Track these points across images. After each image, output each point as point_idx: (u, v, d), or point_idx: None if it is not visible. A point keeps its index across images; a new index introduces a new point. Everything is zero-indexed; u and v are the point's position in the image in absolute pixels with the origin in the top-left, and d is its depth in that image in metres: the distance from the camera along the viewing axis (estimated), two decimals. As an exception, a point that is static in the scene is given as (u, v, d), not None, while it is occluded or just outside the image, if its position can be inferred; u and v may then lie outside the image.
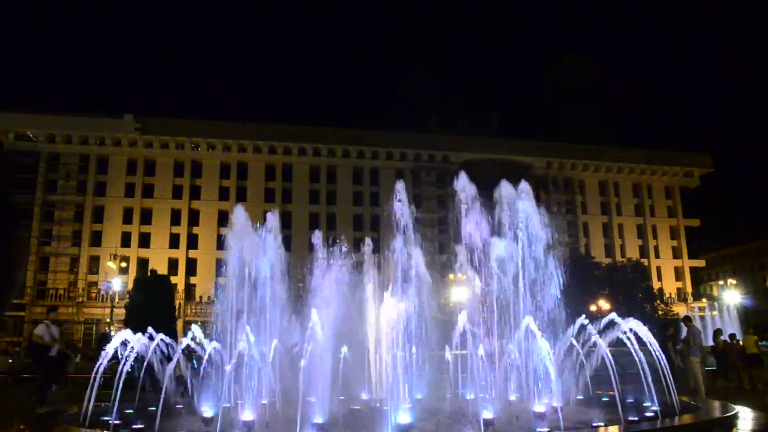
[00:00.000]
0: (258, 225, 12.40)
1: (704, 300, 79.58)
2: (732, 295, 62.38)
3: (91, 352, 33.46)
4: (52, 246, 66.02)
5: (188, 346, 9.57)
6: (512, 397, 11.20)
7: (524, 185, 12.60)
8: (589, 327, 10.20)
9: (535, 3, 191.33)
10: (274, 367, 11.56)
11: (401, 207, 12.67)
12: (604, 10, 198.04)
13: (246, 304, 11.63)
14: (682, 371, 15.92)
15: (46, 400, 13.08)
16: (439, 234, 70.07)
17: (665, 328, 17.47)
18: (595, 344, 10.09)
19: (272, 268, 12.10)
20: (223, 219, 68.57)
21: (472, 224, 12.28)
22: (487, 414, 8.51)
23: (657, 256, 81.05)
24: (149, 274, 39.53)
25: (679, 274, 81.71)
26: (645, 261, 73.65)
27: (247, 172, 73.50)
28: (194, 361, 9.77)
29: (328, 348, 10.80)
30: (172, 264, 66.60)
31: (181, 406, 10.72)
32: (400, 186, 12.86)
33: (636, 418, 9.67)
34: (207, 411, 9.26)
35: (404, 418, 8.34)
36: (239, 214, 12.17)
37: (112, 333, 40.28)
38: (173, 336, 9.48)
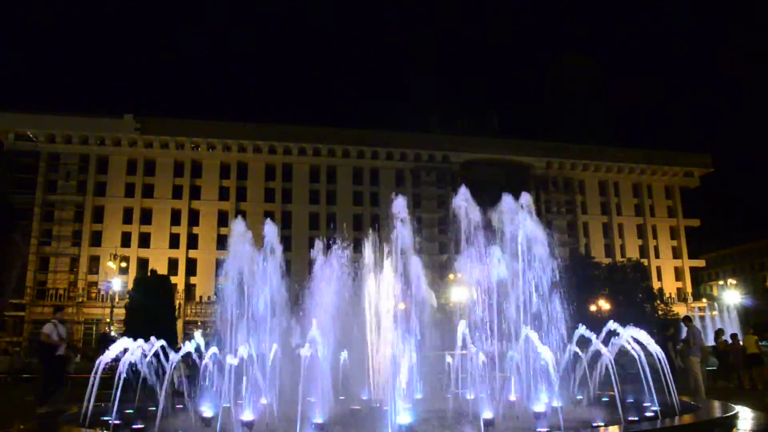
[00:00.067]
0: (258, 229, 12.34)
1: (704, 300, 79.62)
2: (732, 295, 62.37)
3: (91, 352, 33.47)
4: (52, 246, 66.04)
5: (189, 353, 9.55)
6: (512, 397, 11.20)
7: (526, 198, 12.49)
8: (591, 338, 10.15)
9: (535, 3, 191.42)
10: (274, 369, 11.57)
11: (402, 227, 12.60)
12: (604, 10, 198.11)
13: (246, 309, 11.63)
14: (683, 371, 15.91)
15: (47, 400, 13.08)
16: (439, 234, 70.10)
17: (665, 328, 17.47)
18: (599, 353, 10.07)
19: (272, 276, 12.07)
20: (223, 219, 68.63)
21: (472, 238, 12.24)
22: (487, 414, 8.51)
23: (657, 256, 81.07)
24: (149, 274, 39.56)
25: (679, 274, 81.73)
26: (645, 261, 73.68)
27: (247, 172, 73.50)
28: (192, 365, 9.76)
29: (328, 349, 10.81)
30: (172, 264, 66.60)
31: (181, 406, 10.72)
32: (400, 204, 12.70)
33: (636, 418, 9.67)
34: (207, 411, 9.26)
35: (404, 418, 8.34)
36: (238, 226, 12.11)
37: (113, 333, 40.28)
38: (173, 336, 9.48)
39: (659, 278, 78.95)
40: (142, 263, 64.62)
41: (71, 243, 66.39)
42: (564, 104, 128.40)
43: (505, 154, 77.79)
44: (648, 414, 9.83)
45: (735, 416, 9.60)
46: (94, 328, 61.27)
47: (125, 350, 9.31)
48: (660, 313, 57.67)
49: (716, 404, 11.28)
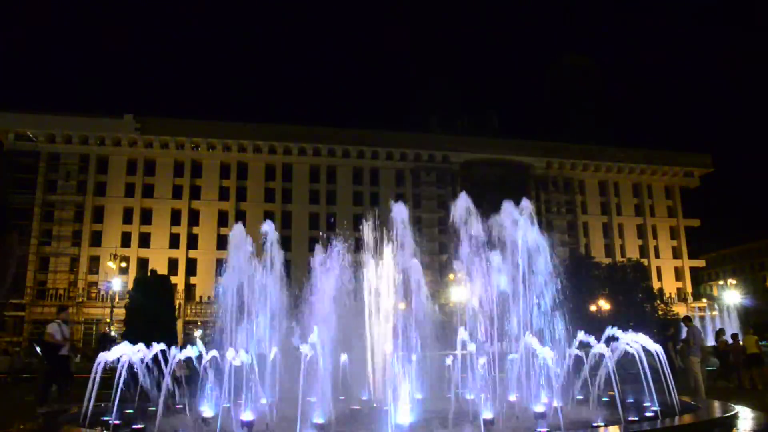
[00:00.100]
0: (258, 230, 12.33)
1: (704, 300, 79.62)
2: (732, 295, 62.36)
3: (91, 352, 33.47)
4: (52, 246, 66.04)
5: (189, 358, 9.54)
6: (512, 397, 11.20)
7: (526, 204, 12.46)
8: (591, 342, 10.13)
9: (535, 3, 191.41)
10: (275, 369, 11.56)
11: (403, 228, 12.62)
12: (604, 10, 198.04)
13: (246, 310, 11.63)
14: (683, 371, 15.91)
15: (46, 400, 13.09)
16: (439, 234, 70.09)
17: (666, 328, 17.46)
18: (601, 356, 10.06)
19: (272, 281, 12.07)
20: (223, 219, 68.68)
21: (471, 243, 12.24)
22: (487, 414, 8.51)
23: (657, 256, 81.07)
24: (149, 274, 39.49)
25: (679, 274, 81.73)
26: (645, 261, 73.67)
27: (247, 172, 73.51)
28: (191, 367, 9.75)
29: (328, 349, 10.80)
30: (172, 264, 66.60)
31: (181, 406, 10.71)
32: (399, 210, 12.70)
33: (636, 418, 9.67)
34: (207, 411, 9.25)
35: (404, 418, 8.34)
36: (237, 232, 12.09)
37: (113, 333, 40.26)
38: (173, 336, 9.46)
39: (659, 278, 78.94)
40: (142, 263, 64.61)
41: (71, 243, 66.39)
42: (564, 104, 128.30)
43: (505, 154, 77.78)
44: (648, 414, 9.83)
45: (735, 416, 9.60)
46: (94, 328, 61.28)
47: (119, 358, 9.25)
48: (660, 313, 57.66)
49: (716, 404, 11.29)
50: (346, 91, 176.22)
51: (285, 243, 15.34)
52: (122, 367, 9.09)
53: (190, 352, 9.44)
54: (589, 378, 10.25)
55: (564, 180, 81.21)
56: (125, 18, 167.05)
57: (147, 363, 9.50)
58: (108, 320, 47.65)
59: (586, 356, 10.28)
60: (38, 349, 28.88)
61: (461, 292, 13.22)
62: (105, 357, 9.34)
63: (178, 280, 64.13)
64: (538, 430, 8.62)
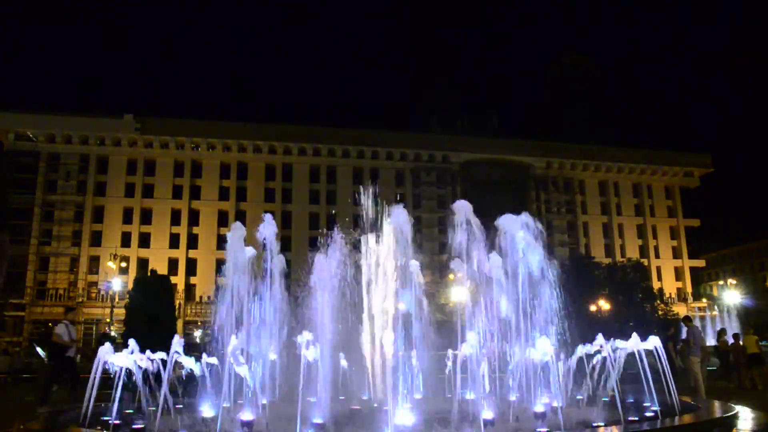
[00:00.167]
0: (257, 229, 12.30)
1: (704, 300, 79.65)
2: (732, 295, 62.40)
3: (91, 352, 33.44)
4: (52, 246, 66.06)
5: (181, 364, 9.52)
6: (512, 397, 11.20)
7: (525, 216, 12.41)
8: (596, 347, 10.12)
9: (535, 3, 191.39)
10: (274, 370, 11.56)
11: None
12: (604, 10, 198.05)
13: (245, 309, 11.60)
14: (683, 371, 15.92)
15: (47, 400, 13.08)
16: (439, 234, 70.09)
17: (666, 328, 17.45)
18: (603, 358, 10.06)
19: (271, 275, 12.04)
20: (223, 219, 68.70)
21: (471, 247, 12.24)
22: (487, 414, 8.51)
23: (657, 256, 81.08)
24: (149, 274, 39.48)
25: (679, 274, 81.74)
26: (645, 261, 73.66)
27: (247, 172, 73.54)
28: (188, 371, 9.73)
29: (327, 350, 10.80)
30: (172, 264, 66.61)
31: (181, 406, 10.71)
32: (400, 214, 12.67)
33: (636, 418, 9.66)
34: (207, 411, 9.25)
35: (404, 418, 8.33)
36: (237, 229, 12.05)
37: (113, 333, 40.25)
38: (173, 337, 9.46)
39: (659, 278, 78.94)
40: (142, 263, 64.62)
41: (71, 243, 66.41)
42: (564, 104, 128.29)
43: (505, 154, 77.81)
44: (648, 414, 9.83)
45: (735, 416, 9.60)
46: (94, 328, 61.26)
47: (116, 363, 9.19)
48: (660, 313, 57.62)
49: (716, 404, 11.28)
50: (346, 91, 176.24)
51: (285, 243, 15.32)
52: (120, 371, 9.06)
53: (192, 365, 9.42)
54: (589, 378, 10.24)
55: (564, 180, 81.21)
56: (125, 18, 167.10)
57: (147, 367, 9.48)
58: (108, 320, 47.68)
59: (588, 360, 10.25)
60: (38, 349, 28.94)
61: (461, 292, 13.20)
62: (104, 353, 9.29)
63: (178, 280, 64.14)
64: (538, 430, 8.61)
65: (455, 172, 76.91)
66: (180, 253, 68.75)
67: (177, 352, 9.18)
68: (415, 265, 12.15)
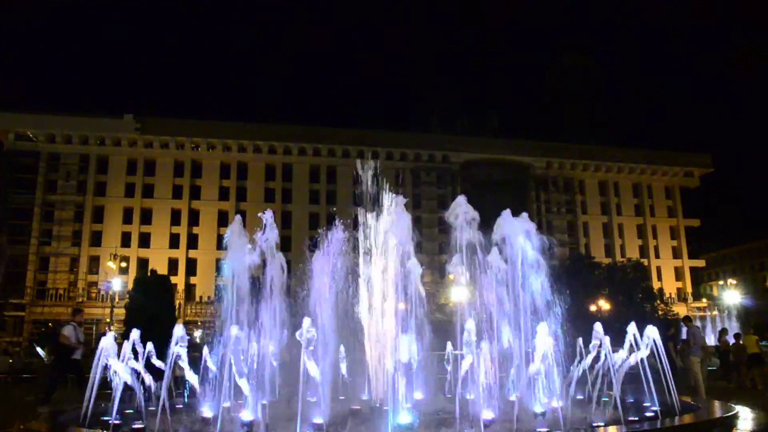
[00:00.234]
0: (258, 229, 12.26)
1: (704, 300, 79.63)
2: (732, 295, 62.36)
3: (90, 352, 33.41)
4: (52, 246, 66.07)
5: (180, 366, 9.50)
6: (512, 397, 11.20)
7: (525, 218, 12.37)
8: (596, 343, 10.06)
9: (535, 3, 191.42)
10: (274, 370, 11.55)
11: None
12: (604, 10, 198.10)
13: (246, 309, 11.60)
14: (683, 371, 15.93)
15: (49, 400, 13.08)
16: (439, 234, 70.07)
17: (666, 328, 17.43)
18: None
19: (272, 287, 12.02)
20: (223, 219, 68.65)
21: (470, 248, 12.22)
22: (487, 414, 8.51)
23: (657, 256, 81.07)
24: (149, 274, 39.49)
25: (679, 274, 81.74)
26: (645, 261, 73.66)
27: (247, 172, 73.54)
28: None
29: (327, 350, 10.80)
30: (172, 264, 66.61)
31: (181, 406, 10.71)
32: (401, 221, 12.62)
33: (636, 418, 9.66)
34: (207, 411, 9.25)
35: (404, 418, 8.34)
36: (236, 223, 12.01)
37: (113, 333, 40.19)
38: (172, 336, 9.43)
39: (659, 278, 78.94)
40: (142, 263, 64.62)
41: (71, 243, 66.42)
42: (564, 104, 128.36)
43: (505, 154, 77.81)
44: (648, 414, 9.82)
45: (735, 416, 9.60)
46: (94, 328, 61.17)
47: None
48: (660, 313, 57.65)
49: (716, 404, 11.29)
50: (346, 91, 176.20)
51: (285, 243, 15.29)
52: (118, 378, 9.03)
53: (189, 376, 9.41)
54: (590, 378, 10.23)
55: (564, 180, 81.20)
56: (125, 18, 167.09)
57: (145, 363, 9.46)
58: (108, 320, 47.64)
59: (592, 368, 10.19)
60: (38, 349, 28.96)
61: (461, 292, 13.18)
62: (107, 344, 9.23)
63: (178, 280, 64.14)
64: (538, 430, 8.62)
65: (455, 172, 76.90)
66: (180, 253, 68.75)
67: (179, 354, 9.16)
68: (414, 263, 12.15)
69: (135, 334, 9.42)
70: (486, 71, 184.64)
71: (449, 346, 12.37)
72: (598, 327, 10.06)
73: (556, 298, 11.73)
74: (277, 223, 12.73)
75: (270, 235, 11.92)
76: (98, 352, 9.22)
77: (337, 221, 13.13)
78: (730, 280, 70.99)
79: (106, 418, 9.46)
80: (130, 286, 36.10)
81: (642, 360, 9.67)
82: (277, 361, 11.77)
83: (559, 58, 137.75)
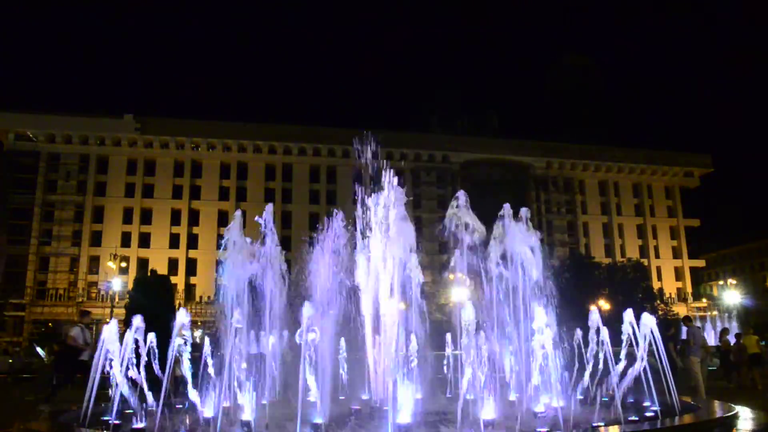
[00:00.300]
0: (258, 229, 12.24)
1: (704, 300, 79.64)
2: (732, 295, 62.38)
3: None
4: (52, 246, 66.09)
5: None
6: (512, 397, 11.19)
7: (524, 211, 12.34)
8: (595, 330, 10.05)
9: (535, 3, 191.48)
10: (274, 369, 11.55)
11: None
12: (604, 10, 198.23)
13: (246, 307, 11.58)
14: (683, 371, 15.93)
15: (51, 400, 13.08)
16: (439, 234, 70.05)
17: (667, 328, 17.42)
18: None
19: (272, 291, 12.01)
20: (223, 219, 68.67)
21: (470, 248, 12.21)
22: (487, 414, 8.51)
23: (657, 256, 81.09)
24: (149, 274, 39.51)
25: (679, 274, 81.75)
26: (645, 261, 73.66)
27: (247, 172, 73.58)
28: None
29: (327, 350, 10.79)
30: (172, 264, 66.64)
31: (181, 406, 10.70)
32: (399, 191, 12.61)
33: (636, 418, 9.65)
34: (207, 411, 9.24)
35: (404, 418, 8.33)
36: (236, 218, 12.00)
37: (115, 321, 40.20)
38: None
39: (659, 278, 78.96)
40: (142, 263, 64.63)
41: (71, 243, 66.45)
42: (564, 104, 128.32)
43: (505, 154, 77.82)
44: (648, 414, 9.82)
45: (735, 416, 9.59)
46: (94, 328, 61.17)
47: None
48: (660, 313, 57.66)
49: (716, 404, 11.28)
50: (346, 91, 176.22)
51: (285, 243, 15.27)
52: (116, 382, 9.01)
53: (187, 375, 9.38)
54: (590, 378, 10.23)
55: (564, 180, 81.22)
56: (125, 18, 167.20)
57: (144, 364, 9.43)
58: (108, 320, 47.57)
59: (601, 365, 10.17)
60: (38, 349, 28.97)
61: (461, 292, 13.20)
62: (109, 332, 9.19)
63: (178, 280, 64.15)
64: (538, 430, 8.61)
65: (455, 172, 76.90)
66: (180, 253, 68.77)
67: (179, 353, 9.13)
68: (414, 261, 12.15)
69: (137, 320, 9.30)
70: (486, 71, 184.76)
71: (448, 346, 12.38)
72: (594, 315, 10.03)
73: (555, 299, 11.73)
74: (277, 223, 12.75)
75: (269, 233, 11.91)
76: (99, 344, 9.18)
77: (336, 212, 13.14)
78: (730, 280, 71.01)
79: (106, 418, 9.45)
80: (130, 286, 36.12)
81: (642, 357, 9.66)
82: (276, 362, 11.78)
83: (559, 58, 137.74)
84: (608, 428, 9.22)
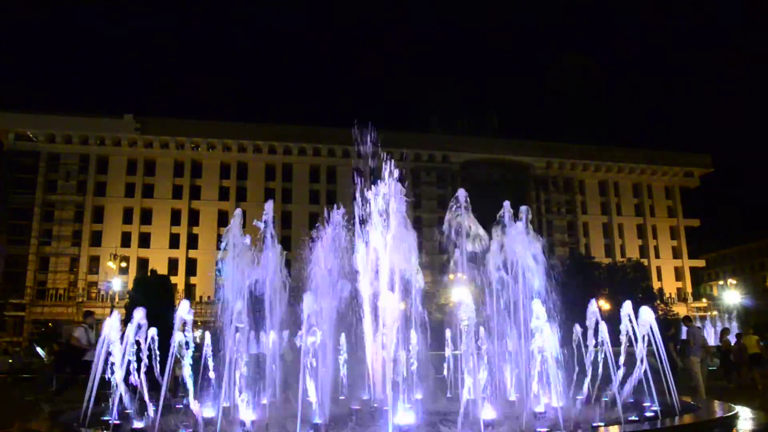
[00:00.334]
0: (258, 229, 12.23)
1: (704, 300, 79.66)
2: (732, 295, 62.40)
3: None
4: (52, 246, 66.11)
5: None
6: (512, 397, 11.19)
7: (524, 209, 12.33)
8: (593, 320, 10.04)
9: (535, 3, 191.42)
10: (274, 369, 11.54)
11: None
12: (604, 10, 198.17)
13: (246, 306, 11.57)
14: (684, 371, 15.93)
15: (53, 400, 13.09)
16: (439, 234, 70.08)
17: (667, 328, 17.42)
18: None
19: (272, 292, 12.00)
20: (223, 219, 68.68)
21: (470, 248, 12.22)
22: (487, 414, 8.50)
23: (657, 256, 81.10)
24: (149, 274, 39.50)
25: (679, 274, 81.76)
26: (645, 261, 73.70)
27: (247, 172, 73.59)
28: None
29: (329, 349, 10.80)
30: (172, 264, 66.65)
31: (181, 406, 10.69)
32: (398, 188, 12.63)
33: (636, 418, 9.65)
34: (207, 411, 9.23)
35: (404, 418, 8.33)
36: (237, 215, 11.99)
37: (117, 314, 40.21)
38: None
39: (659, 278, 78.98)
40: (142, 263, 64.65)
41: (71, 243, 66.46)
42: (564, 104, 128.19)
43: (505, 154, 77.83)
44: (648, 414, 9.81)
45: (735, 416, 9.59)
46: (94, 328, 61.34)
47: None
48: (660, 313, 57.68)
49: (716, 404, 11.28)
50: (346, 91, 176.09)
51: (285, 243, 15.26)
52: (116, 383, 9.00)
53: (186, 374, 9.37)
54: (590, 378, 10.23)
55: (564, 180, 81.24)
56: (125, 18, 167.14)
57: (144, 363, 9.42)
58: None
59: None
60: (38, 349, 28.96)
61: (461, 292, 13.19)
62: (110, 327, 9.16)
63: (178, 280, 64.17)
64: (538, 430, 8.60)
65: (455, 172, 76.91)
66: (180, 253, 68.78)
67: (179, 353, 9.11)
68: (414, 260, 12.15)
69: (139, 314, 9.25)
70: (486, 71, 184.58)
71: (448, 346, 12.37)
72: (592, 306, 10.03)
73: (555, 300, 11.73)
74: (277, 223, 12.75)
75: (269, 229, 11.92)
76: (101, 339, 9.15)
77: (336, 206, 13.14)
78: (730, 280, 71.02)
79: (106, 418, 9.45)
80: (130, 286, 36.09)
81: (642, 359, 9.66)
82: (276, 362, 11.78)
83: (559, 58, 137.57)
84: (608, 428, 9.22)
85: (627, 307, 9.85)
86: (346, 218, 13.14)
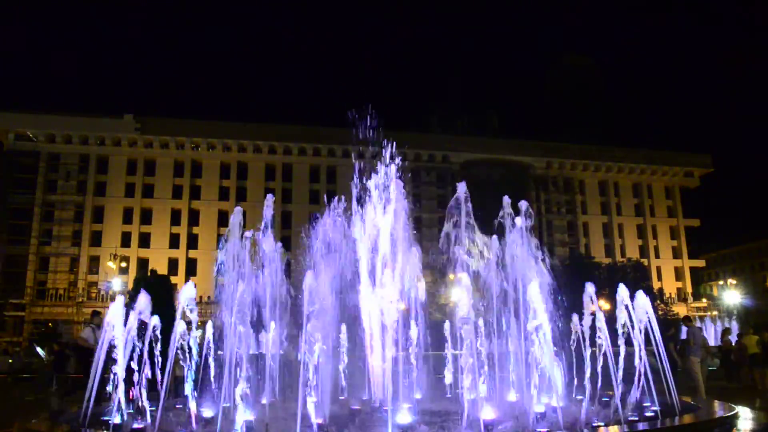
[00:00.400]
0: (257, 229, 12.24)
1: (704, 300, 79.66)
2: (732, 295, 62.40)
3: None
4: (52, 246, 66.09)
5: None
6: (512, 397, 11.19)
7: (523, 204, 12.34)
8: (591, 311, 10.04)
9: (534, 3, 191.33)
10: (274, 369, 11.55)
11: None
12: (604, 10, 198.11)
13: (246, 305, 11.57)
14: (684, 371, 15.94)
15: (57, 402, 13.10)
16: (439, 234, 70.00)
17: (667, 328, 17.44)
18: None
19: (273, 295, 12.01)
20: (223, 219, 68.68)
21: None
22: (487, 414, 8.50)
23: (657, 256, 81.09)
24: (149, 274, 39.50)
25: (679, 274, 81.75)
26: (645, 261, 73.71)
27: (247, 172, 73.58)
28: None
29: (328, 351, 10.79)
30: (172, 264, 66.63)
31: (181, 406, 10.70)
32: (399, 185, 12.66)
33: (636, 418, 9.65)
34: (207, 411, 9.24)
35: (404, 418, 8.34)
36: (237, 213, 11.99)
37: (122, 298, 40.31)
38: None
39: (659, 278, 78.97)
40: (142, 263, 64.65)
41: (71, 243, 66.45)
42: (564, 104, 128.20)
43: (505, 154, 77.81)
44: (648, 414, 9.82)
45: (735, 416, 9.59)
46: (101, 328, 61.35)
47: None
48: (660, 313, 57.68)
49: (716, 404, 11.27)
50: (346, 91, 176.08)
51: (285, 243, 15.28)
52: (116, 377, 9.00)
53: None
54: (590, 378, 10.22)
55: (564, 180, 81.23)
56: (125, 18, 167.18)
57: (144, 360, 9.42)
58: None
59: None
60: (38, 349, 28.95)
61: (461, 292, 13.19)
62: (111, 319, 9.17)
63: (178, 280, 64.10)
64: (538, 430, 8.60)
65: (455, 172, 76.87)
66: (180, 253, 68.78)
67: (180, 350, 9.11)
68: (415, 258, 12.16)
69: (142, 300, 9.23)
70: (486, 71, 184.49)
71: (447, 346, 12.36)
72: (589, 288, 10.02)
73: (555, 299, 11.73)
74: (278, 223, 12.76)
75: (268, 224, 11.94)
76: (103, 329, 9.15)
77: (336, 200, 13.16)
78: (730, 280, 71.04)
79: (106, 418, 9.45)
80: (130, 286, 36.12)
81: (642, 358, 9.66)
82: (275, 362, 11.78)
83: (559, 58, 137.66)
84: (608, 428, 9.22)
85: (623, 291, 9.82)
86: (348, 213, 13.14)
